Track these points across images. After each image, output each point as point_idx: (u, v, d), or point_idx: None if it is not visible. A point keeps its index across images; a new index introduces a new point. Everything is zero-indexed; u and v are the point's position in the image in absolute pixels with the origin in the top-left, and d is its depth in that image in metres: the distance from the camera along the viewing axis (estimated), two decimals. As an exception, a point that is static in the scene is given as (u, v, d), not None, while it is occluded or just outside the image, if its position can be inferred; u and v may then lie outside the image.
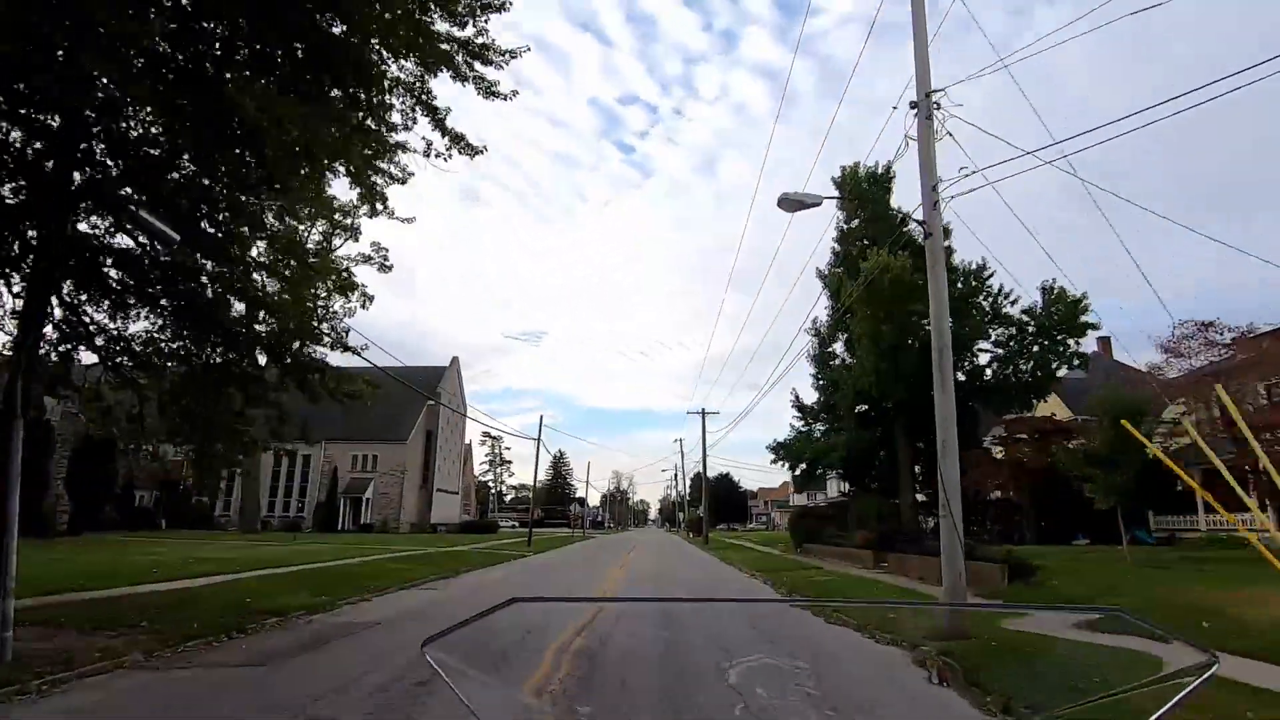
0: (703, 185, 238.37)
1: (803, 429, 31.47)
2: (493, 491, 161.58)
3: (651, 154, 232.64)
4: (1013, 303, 25.59)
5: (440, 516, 54.41)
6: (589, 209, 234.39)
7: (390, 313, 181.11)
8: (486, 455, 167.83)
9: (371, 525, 48.35)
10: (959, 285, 24.93)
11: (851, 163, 27.45)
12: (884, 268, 23.29)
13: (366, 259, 41.83)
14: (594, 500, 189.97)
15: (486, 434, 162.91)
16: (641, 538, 63.92)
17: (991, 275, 25.75)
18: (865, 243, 26.25)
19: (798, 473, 30.58)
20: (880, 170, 26.82)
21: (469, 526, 55.21)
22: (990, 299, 25.92)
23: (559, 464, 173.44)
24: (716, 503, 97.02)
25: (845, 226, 28.64)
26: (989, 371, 26.94)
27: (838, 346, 31.34)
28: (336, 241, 20.04)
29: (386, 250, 42.47)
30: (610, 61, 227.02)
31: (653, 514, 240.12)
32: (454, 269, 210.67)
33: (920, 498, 26.87)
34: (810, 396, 31.93)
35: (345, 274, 12.57)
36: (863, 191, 27.57)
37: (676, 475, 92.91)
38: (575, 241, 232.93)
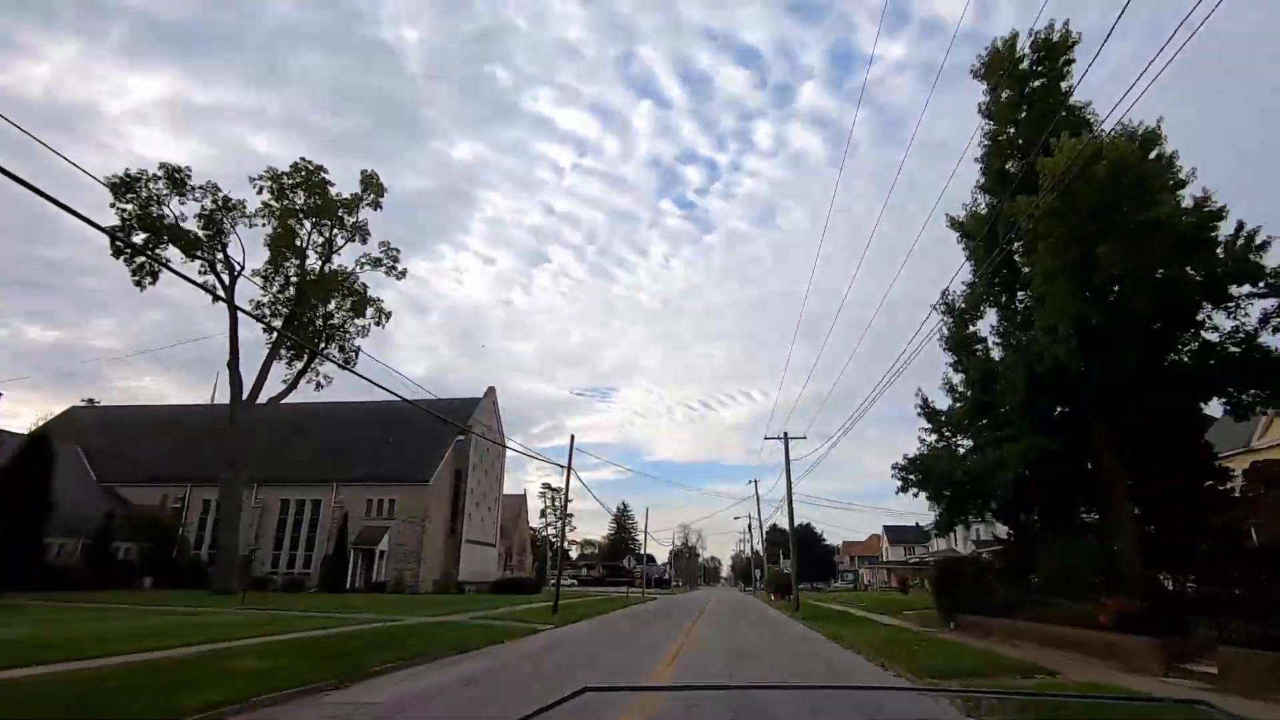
0: (761, 236, 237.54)
1: (938, 445, 21.71)
2: (553, 546, 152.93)
3: (710, 208, 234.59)
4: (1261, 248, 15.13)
5: (471, 572, 45.94)
6: (650, 263, 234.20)
7: (461, 373, 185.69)
8: (546, 507, 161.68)
9: (385, 583, 40.28)
10: (1181, 219, 14.97)
11: (1008, 33, 18.54)
12: (1093, 155, 14.21)
13: (376, 262, 34.90)
14: (661, 557, 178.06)
15: (547, 485, 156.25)
16: (712, 599, 53.50)
17: (1223, 211, 15.44)
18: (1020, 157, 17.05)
19: (939, 507, 20.63)
20: (1058, 36, 17.75)
21: (505, 585, 46.41)
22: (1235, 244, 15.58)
23: (622, 518, 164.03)
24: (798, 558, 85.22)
25: (995, 134, 19.53)
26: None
27: (982, 326, 21.80)
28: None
29: (397, 251, 35.73)
30: (668, 121, 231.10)
31: (724, 571, 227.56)
32: (523, 329, 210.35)
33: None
34: (942, 403, 22.30)
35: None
36: (1022, 75, 18.57)
37: (750, 526, 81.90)
38: (637, 297, 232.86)
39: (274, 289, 34.79)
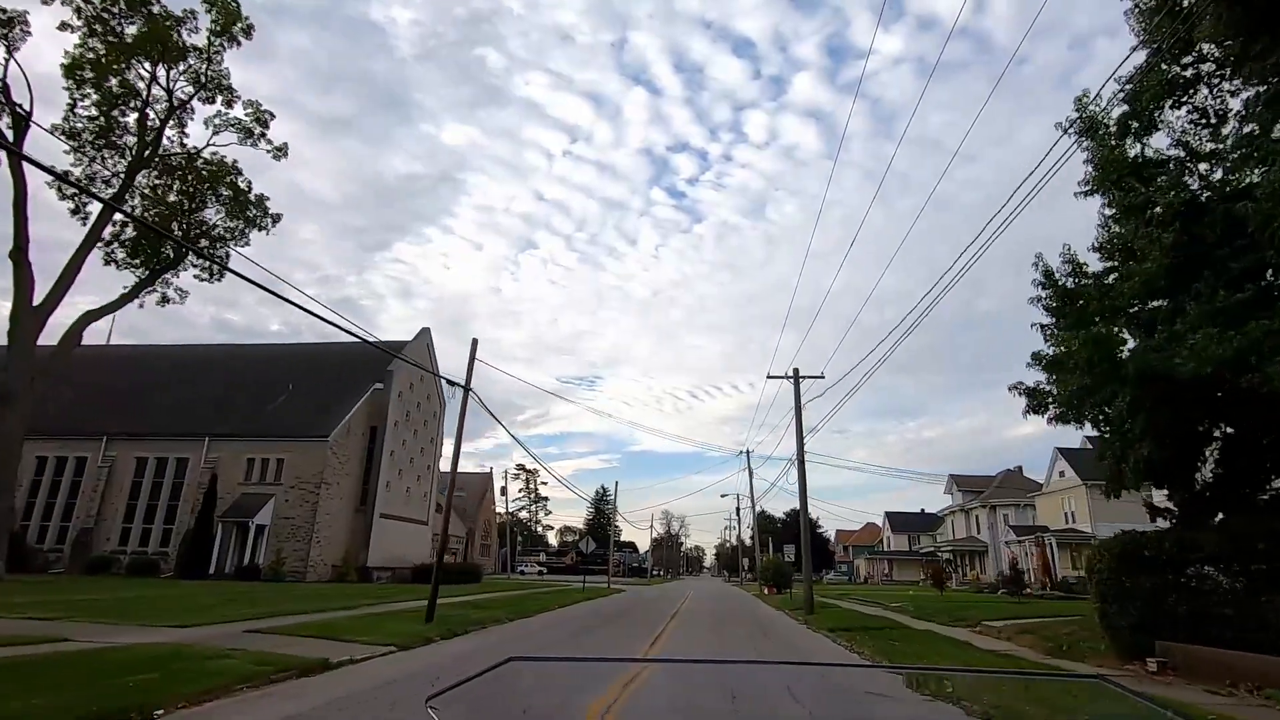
0: (752, 228, 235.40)
1: (1089, 332, 12.31)
2: (524, 530, 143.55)
3: (701, 199, 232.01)
4: None
5: (390, 556, 36.31)
6: (639, 253, 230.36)
7: (447, 359, 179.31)
8: (521, 490, 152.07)
9: (258, 568, 30.57)
10: None
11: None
12: None
13: (246, 133, 25.21)
14: (643, 545, 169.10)
15: (521, 467, 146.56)
16: (692, 591, 44.37)
17: None
18: None
19: (1110, 431, 11.19)
20: None
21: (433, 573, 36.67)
22: None
23: (601, 502, 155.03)
24: (789, 543, 77.00)
25: None
26: None
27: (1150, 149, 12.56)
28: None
29: (269, 115, 25.97)
30: (660, 110, 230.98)
31: (708, 560, 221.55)
32: (510, 315, 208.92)
33: None
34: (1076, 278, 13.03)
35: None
36: None
37: (738, 509, 72.84)
38: (627, 286, 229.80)
39: (93, 151, 24.85)
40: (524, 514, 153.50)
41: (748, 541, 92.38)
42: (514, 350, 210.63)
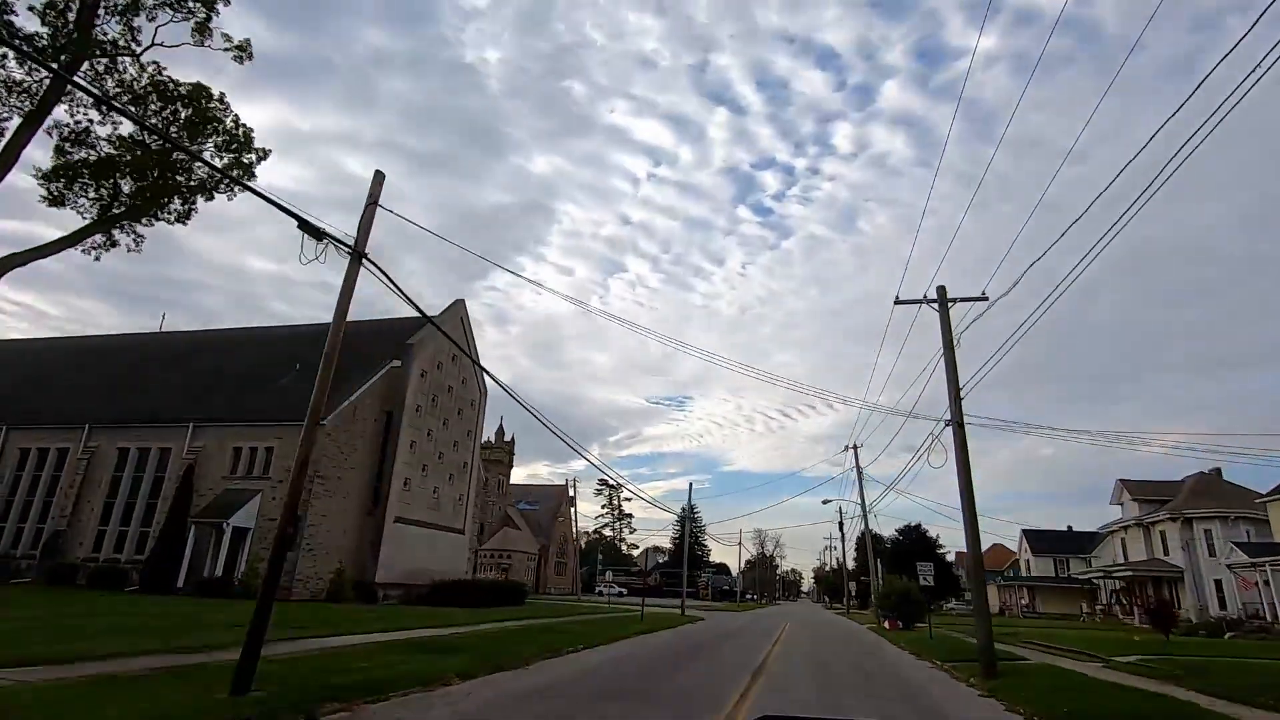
0: (842, 241, 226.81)
1: None
2: (609, 549, 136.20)
3: (788, 214, 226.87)
4: None
5: (415, 569, 29.60)
6: (726, 271, 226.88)
7: (539, 383, 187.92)
8: (604, 508, 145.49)
9: (231, 580, 24.39)
10: None
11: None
12: None
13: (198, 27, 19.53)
14: (736, 567, 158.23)
15: (603, 483, 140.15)
16: (789, 624, 35.15)
17: None
18: None
19: None
20: None
21: (462, 590, 29.67)
22: None
23: (687, 521, 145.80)
24: (902, 568, 65.99)
25: None
26: None
27: None
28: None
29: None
30: (744, 128, 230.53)
31: (806, 584, 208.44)
32: (598, 337, 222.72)
33: None
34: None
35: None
36: None
37: (841, 522, 62.23)
38: (714, 305, 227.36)
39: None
40: (608, 531, 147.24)
41: (850, 563, 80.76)
42: (603, 372, 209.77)
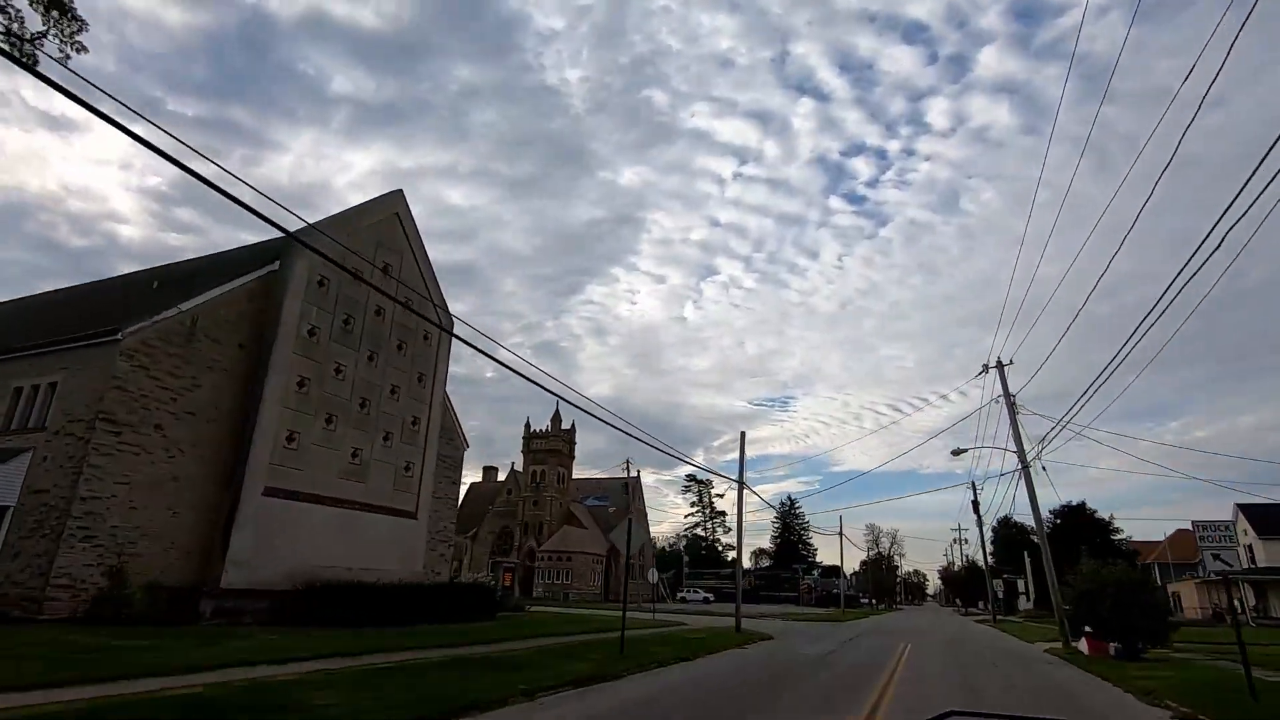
0: (945, 223, 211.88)
1: None
2: (705, 549, 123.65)
3: (884, 200, 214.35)
4: None
5: (304, 567, 19.27)
6: (822, 265, 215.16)
7: (642, 392, 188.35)
8: (693, 505, 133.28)
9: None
10: None
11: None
12: None
13: None
14: (846, 566, 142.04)
15: (691, 478, 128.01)
16: (915, 642, 22.22)
17: None
18: None
19: None
20: None
21: (383, 601, 19.09)
22: None
23: (788, 516, 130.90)
24: (1063, 559, 50.35)
25: None
26: None
27: None
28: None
29: None
30: (829, 115, 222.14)
31: (931, 586, 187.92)
32: (696, 342, 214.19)
33: None
34: None
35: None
36: None
37: (977, 503, 47.07)
38: (811, 301, 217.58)
39: None
40: (699, 531, 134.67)
41: (977, 560, 64.36)
42: (703, 376, 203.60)
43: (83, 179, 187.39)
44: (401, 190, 25.79)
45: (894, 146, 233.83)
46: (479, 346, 16.26)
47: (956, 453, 24.08)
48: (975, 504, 45.15)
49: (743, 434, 25.66)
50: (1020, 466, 22.45)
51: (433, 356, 26.46)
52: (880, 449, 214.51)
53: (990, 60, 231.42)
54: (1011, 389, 23.40)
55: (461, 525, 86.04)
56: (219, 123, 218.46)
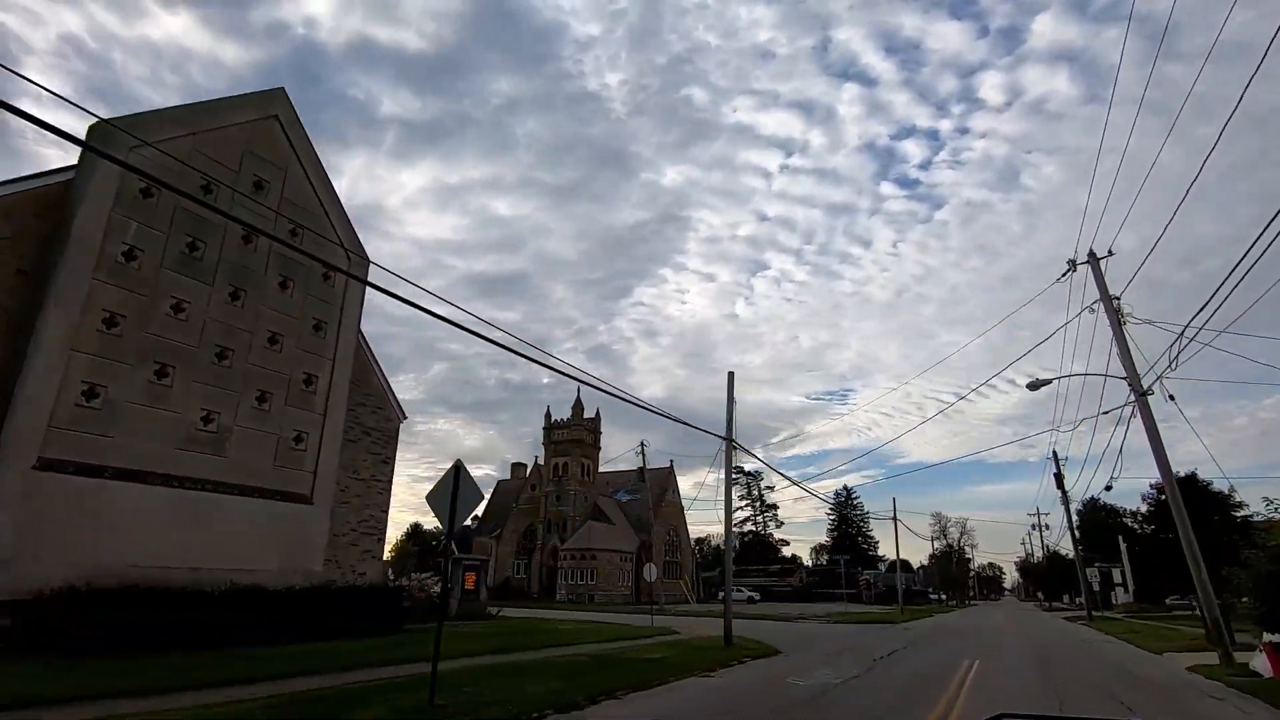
0: (1003, 202, 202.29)
1: None
2: (759, 544, 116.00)
3: (937, 181, 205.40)
4: None
5: (118, 564, 13.92)
6: (875, 254, 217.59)
7: (696, 392, 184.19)
8: (742, 498, 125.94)
9: None
10: None
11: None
12: None
13: None
14: (909, 558, 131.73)
15: (740, 469, 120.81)
16: (987, 645, 15.32)
17: None
18: None
19: None
20: None
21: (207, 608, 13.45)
22: None
23: (844, 508, 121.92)
24: (1161, 549, 42.50)
25: None
26: None
27: None
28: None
29: None
30: (876, 100, 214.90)
31: (1009, 580, 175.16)
32: (749, 338, 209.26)
33: None
34: None
35: None
36: None
37: (1061, 477, 38.68)
38: (866, 290, 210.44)
39: None
40: (750, 526, 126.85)
41: (1060, 549, 55.21)
42: (757, 373, 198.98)
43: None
44: (284, 89, 20.33)
45: (946, 126, 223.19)
46: (403, 296, 10.54)
47: (1035, 385, 16.93)
48: (1059, 477, 36.99)
49: (730, 375, 19.14)
50: (1133, 397, 15.25)
51: (337, 300, 20.92)
52: (945, 439, 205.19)
53: (1045, 28, 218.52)
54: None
55: (487, 524, 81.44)
56: None
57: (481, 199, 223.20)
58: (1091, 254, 16.98)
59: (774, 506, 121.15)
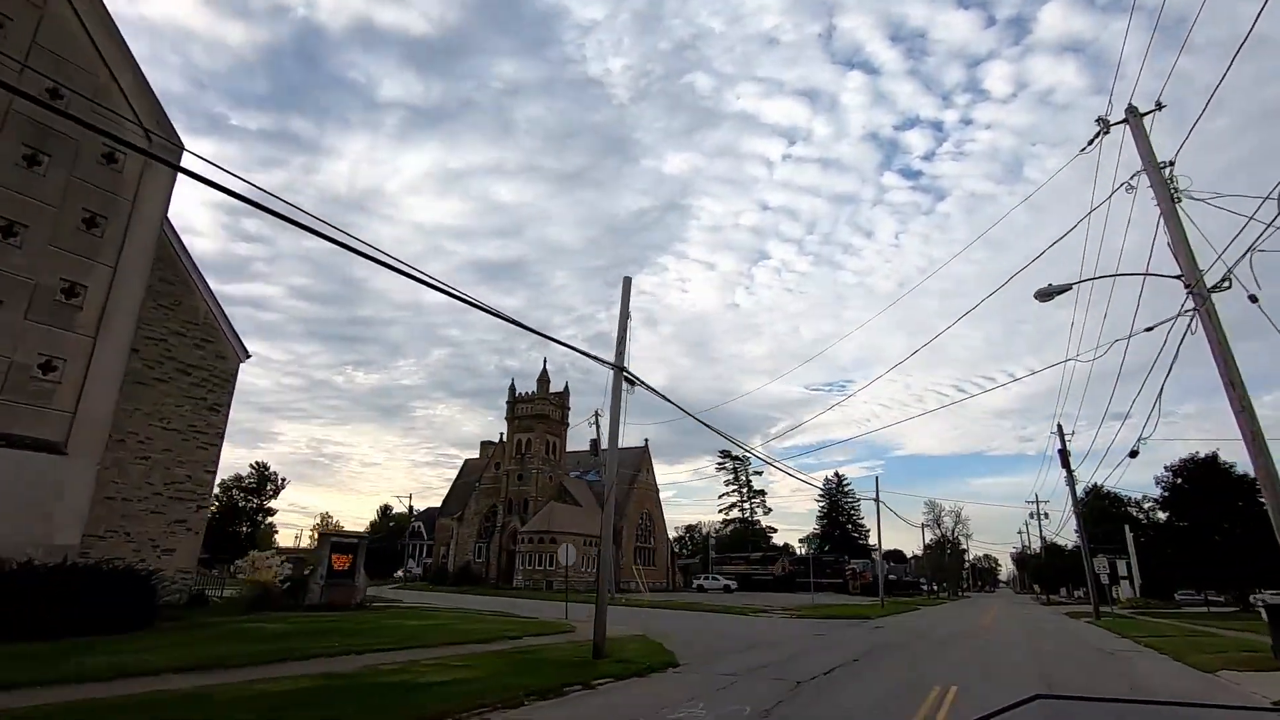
0: (1009, 194, 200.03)
1: None
2: (751, 533, 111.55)
3: (941, 173, 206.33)
4: None
5: None
6: (878, 245, 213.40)
7: (697, 381, 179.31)
8: (728, 484, 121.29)
9: None
10: None
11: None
12: None
13: None
14: (902, 548, 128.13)
15: (726, 454, 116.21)
16: (976, 652, 10.39)
17: None
18: None
19: None
20: None
21: None
22: None
23: (834, 495, 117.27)
24: (1189, 535, 38.34)
25: None
26: None
27: None
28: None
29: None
30: (881, 90, 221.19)
31: (1004, 573, 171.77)
32: (749, 328, 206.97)
33: None
34: None
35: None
36: None
37: (1066, 452, 33.62)
38: (869, 281, 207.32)
39: None
40: (735, 513, 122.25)
41: (1060, 540, 50.39)
42: (758, 363, 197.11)
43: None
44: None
45: (950, 117, 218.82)
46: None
47: (1046, 294, 11.87)
48: (1063, 453, 32.04)
49: (626, 280, 14.13)
50: (1189, 302, 10.28)
51: (126, 191, 15.83)
52: (945, 431, 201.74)
53: (1053, 19, 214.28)
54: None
55: (450, 506, 76.67)
56: (280, 134, 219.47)
57: (484, 184, 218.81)
58: (1131, 109, 11.92)
59: (761, 493, 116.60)
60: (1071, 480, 31.77)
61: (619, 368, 12.95)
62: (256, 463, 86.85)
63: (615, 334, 14.07)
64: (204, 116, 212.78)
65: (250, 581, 18.33)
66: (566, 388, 67.79)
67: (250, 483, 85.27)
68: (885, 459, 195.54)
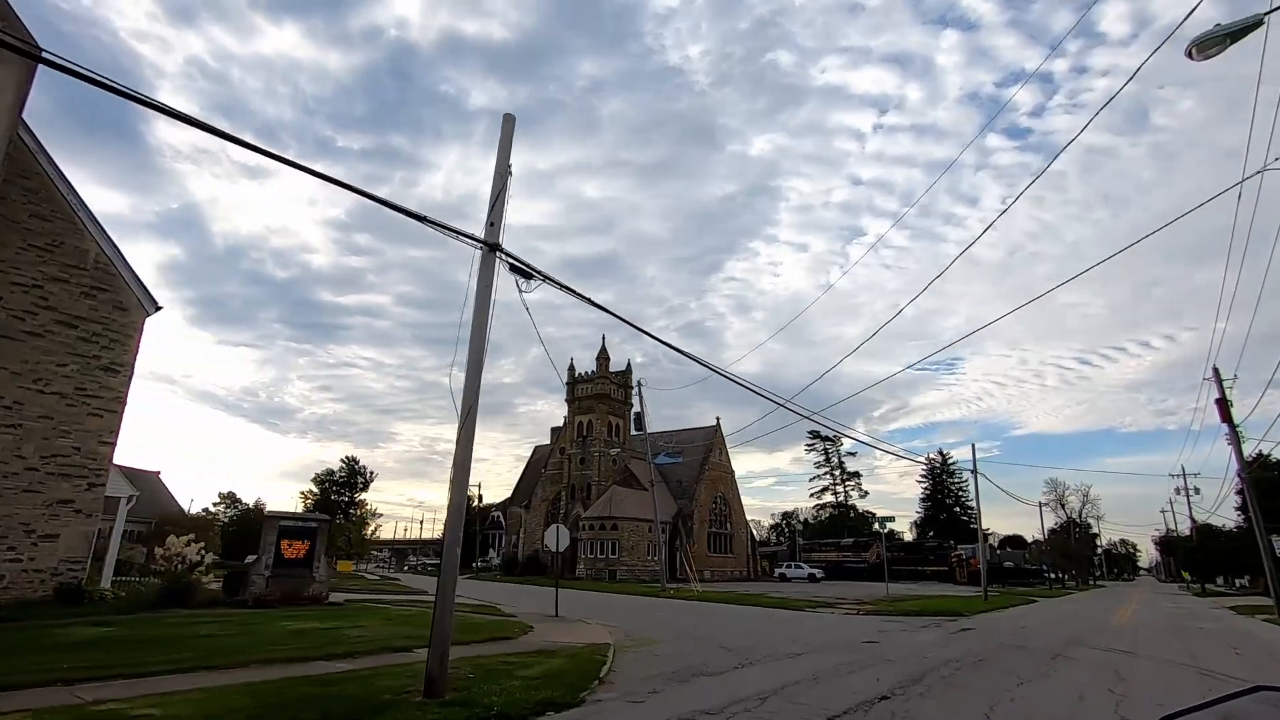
0: (1131, 146, 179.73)
1: None
2: (846, 517, 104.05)
3: (1052, 128, 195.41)
4: None
5: None
6: (983, 211, 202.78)
7: (793, 366, 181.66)
8: (818, 465, 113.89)
9: None
10: None
11: None
12: None
13: None
14: (1023, 533, 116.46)
15: (815, 435, 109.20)
16: (1124, 671, 5.46)
17: None
18: None
19: None
20: None
21: None
22: None
23: (938, 475, 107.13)
24: None
25: None
26: None
27: None
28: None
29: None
30: (978, 45, 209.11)
31: (1146, 559, 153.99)
32: (845, 309, 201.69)
33: None
34: None
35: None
36: None
37: (1224, 405, 26.11)
38: (973, 252, 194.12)
39: None
40: (828, 497, 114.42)
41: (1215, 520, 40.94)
42: (856, 344, 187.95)
43: (280, 218, 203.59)
44: None
45: (1061, 67, 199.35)
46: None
47: (1197, 49, 6.27)
48: (1222, 402, 24.55)
49: (508, 118, 9.75)
50: None
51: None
52: (1068, 408, 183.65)
53: None
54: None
55: (519, 495, 74.73)
56: (381, 152, 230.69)
57: (570, 182, 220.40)
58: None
59: (856, 475, 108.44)
60: (1236, 437, 24.30)
61: (492, 245, 8.57)
62: (347, 457, 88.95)
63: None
64: (314, 141, 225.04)
65: (167, 574, 15.53)
66: (629, 366, 63.86)
67: (341, 477, 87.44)
68: (1001, 439, 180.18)
